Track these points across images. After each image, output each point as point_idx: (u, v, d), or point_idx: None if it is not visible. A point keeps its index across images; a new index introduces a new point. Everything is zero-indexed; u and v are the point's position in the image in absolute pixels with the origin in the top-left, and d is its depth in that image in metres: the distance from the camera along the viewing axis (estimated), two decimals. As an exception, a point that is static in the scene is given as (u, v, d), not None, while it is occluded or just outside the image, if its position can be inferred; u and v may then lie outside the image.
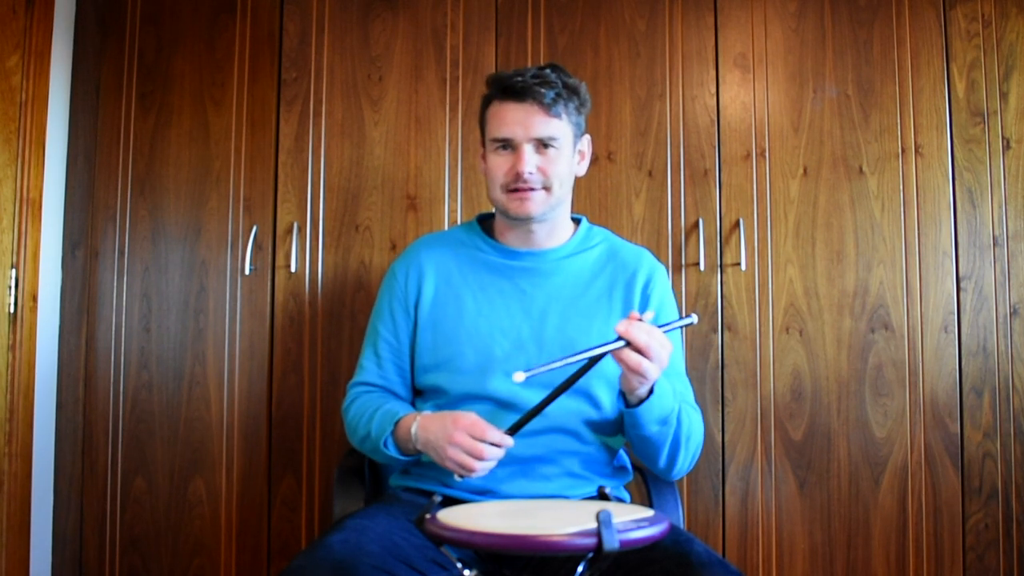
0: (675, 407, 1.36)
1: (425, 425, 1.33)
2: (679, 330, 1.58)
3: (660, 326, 1.27)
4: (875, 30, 1.93)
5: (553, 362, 1.22)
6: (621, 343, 1.22)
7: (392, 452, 1.37)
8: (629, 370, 1.24)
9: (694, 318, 1.31)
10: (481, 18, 1.99)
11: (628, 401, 1.33)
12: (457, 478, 1.31)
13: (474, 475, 1.28)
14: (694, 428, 1.41)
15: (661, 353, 1.23)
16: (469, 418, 1.29)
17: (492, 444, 1.27)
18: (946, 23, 1.92)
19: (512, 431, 1.29)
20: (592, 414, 1.42)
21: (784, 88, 1.94)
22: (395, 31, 2.00)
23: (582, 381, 1.40)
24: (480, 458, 1.26)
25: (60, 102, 2.03)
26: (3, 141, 1.88)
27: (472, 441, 1.26)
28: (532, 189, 1.42)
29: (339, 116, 1.99)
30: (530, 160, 1.41)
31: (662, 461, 1.39)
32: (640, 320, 1.24)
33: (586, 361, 1.25)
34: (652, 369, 1.23)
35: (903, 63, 1.92)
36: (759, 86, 1.95)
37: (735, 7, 1.96)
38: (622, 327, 1.22)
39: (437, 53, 1.99)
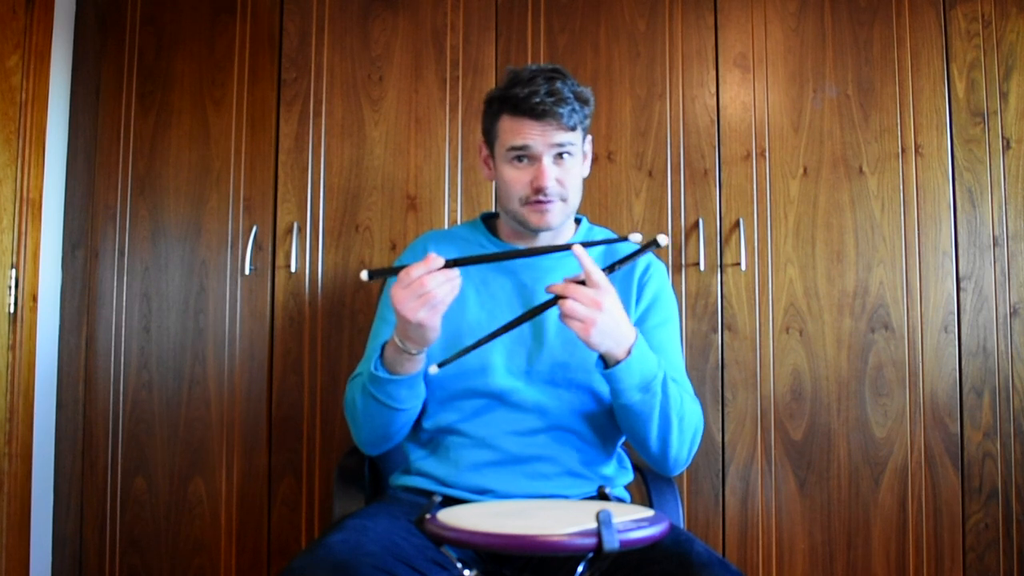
0: (659, 374, 1.31)
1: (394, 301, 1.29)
2: (679, 330, 1.58)
3: (609, 266, 1.25)
4: (875, 30, 1.94)
5: (468, 346, 1.24)
6: (553, 302, 1.22)
7: (383, 372, 1.34)
8: (567, 318, 1.22)
9: (661, 239, 1.20)
10: (481, 18, 1.99)
11: (605, 363, 1.30)
12: (434, 368, 1.25)
13: (430, 320, 1.23)
14: (688, 409, 1.37)
15: (585, 293, 1.21)
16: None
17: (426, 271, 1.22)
18: (946, 23, 1.92)
19: (444, 363, 1.25)
20: (592, 406, 1.42)
21: (784, 88, 1.94)
22: (395, 31, 2.00)
23: (583, 376, 1.40)
24: (424, 289, 1.21)
25: (60, 102, 2.03)
26: (3, 141, 1.88)
27: (404, 290, 1.22)
28: (551, 201, 1.42)
29: (339, 116, 1.99)
30: (551, 173, 1.40)
31: (653, 442, 1.34)
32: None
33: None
34: (579, 310, 1.21)
35: (903, 63, 1.93)
36: (759, 86, 1.95)
37: (735, 7, 1.96)
38: (555, 287, 1.23)
39: (437, 53, 1.99)
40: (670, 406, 1.33)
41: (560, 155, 1.41)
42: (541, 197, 1.40)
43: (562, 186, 1.42)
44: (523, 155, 1.41)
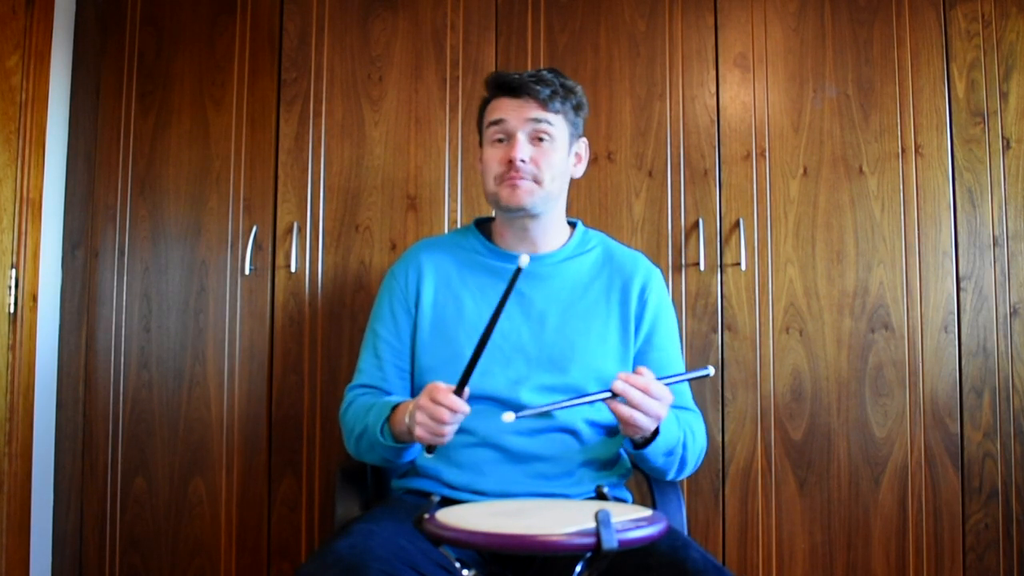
0: (680, 437, 1.38)
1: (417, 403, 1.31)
2: (677, 329, 1.58)
3: (667, 378, 1.25)
4: (875, 30, 1.93)
5: (544, 406, 1.26)
6: (609, 394, 1.23)
7: (388, 440, 1.35)
8: (621, 421, 1.25)
9: (710, 370, 1.25)
10: (481, 18, 1.99)
11: (634, 442, 1.35)
12: (426, 454, 1.30)
13: (438, 441, 1.25)
14: (698, 440, 1.45)
15: (654, 407, 1.23)
16: (433, 384, 1.25)
17: (449, 409, 1.22)
18: (946, 23, 1.92)
19: (459, 390, 1.24)
20: (592, 414, 1.42)
21: (784, 88, 1.94)
22: (395, 31, 2.00)
23: (581, 379, 1.40)
24: (440, 421, 1.22)
25: (60, 102, 2.03)
26: (3, 141, 1.88)
27: (432, 404, 1.22)
28: (522, 178, 1.42)
29: (339, 116, 1.99)
30: (523, 148, 1.42)
31: (669, 477, 1.44)
32: (642, 375, 1.23)
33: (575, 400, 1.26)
34: (644, 421, 1.24)
35: (903, 63, 1.92)
36: (759, 86, 1.95)
37: (735, 7, 1.96)
38: (619, 386, 1.22)
39: (437, 53, 1.99)
40: (688, 454, 1.41)
41: (539, 138, 1.43)
42: (512, 172, 1.41)
43: (537, 167, 1.43)
44: (501, 133, 1.44)
